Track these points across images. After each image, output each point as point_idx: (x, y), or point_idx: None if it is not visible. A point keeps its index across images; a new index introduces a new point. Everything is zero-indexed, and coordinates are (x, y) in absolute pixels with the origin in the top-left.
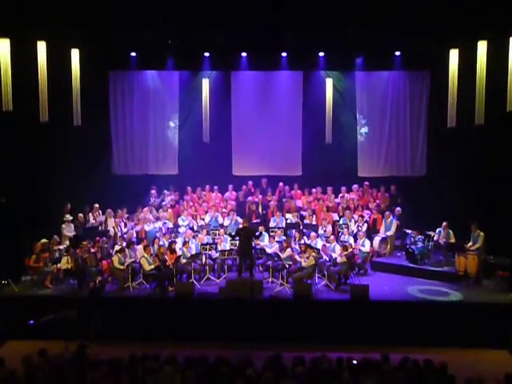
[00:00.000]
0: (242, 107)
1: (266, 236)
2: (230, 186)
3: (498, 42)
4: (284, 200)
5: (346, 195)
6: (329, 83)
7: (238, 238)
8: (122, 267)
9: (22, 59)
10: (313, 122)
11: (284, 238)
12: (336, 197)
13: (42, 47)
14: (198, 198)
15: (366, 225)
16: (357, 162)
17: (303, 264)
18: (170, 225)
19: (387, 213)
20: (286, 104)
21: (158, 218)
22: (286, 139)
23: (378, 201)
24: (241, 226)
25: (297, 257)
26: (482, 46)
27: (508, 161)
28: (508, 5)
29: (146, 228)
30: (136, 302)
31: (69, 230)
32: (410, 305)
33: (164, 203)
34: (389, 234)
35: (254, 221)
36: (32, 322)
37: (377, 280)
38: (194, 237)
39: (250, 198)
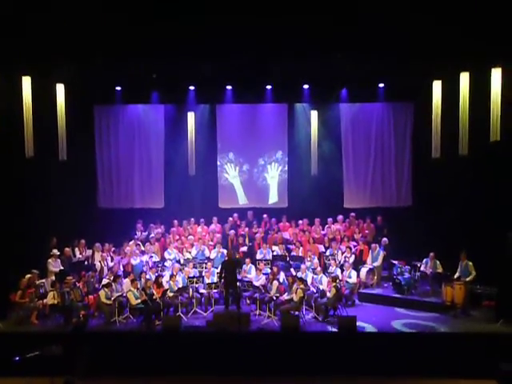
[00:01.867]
0: (228, 140)
1: (252, 268)
2: (215, 219)
3: (480, 73)
4: (270, 232)
5: (332, 226)
6: (314, 115)
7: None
8: (108, 302)
9: (7, 94)
10: (298, 154)
11: (268, 269)
12: (322, 228)
13: (26, 82)
14: (184, 230)
15: (353, 256)
16: (342, 192)
17: (296, 299)
18: (157, 258)
19: (374, 244)
20: (271, 136)
21: (144, 252)
22: None
23: (364, 231)
24: (226, 258)
25: (286, 297)
26: (465, 78)
27: (493, 189)
28: (488, 36)
29: (133, 262)
30: (123, 336)
31: (55, 265)
32: (398, 336)
33: (150, 236)
34: (376, 264)
35: (242, 249)
36: (17, 358)
37: (364, 311)
38: (180, 270)
39: (231, 231)
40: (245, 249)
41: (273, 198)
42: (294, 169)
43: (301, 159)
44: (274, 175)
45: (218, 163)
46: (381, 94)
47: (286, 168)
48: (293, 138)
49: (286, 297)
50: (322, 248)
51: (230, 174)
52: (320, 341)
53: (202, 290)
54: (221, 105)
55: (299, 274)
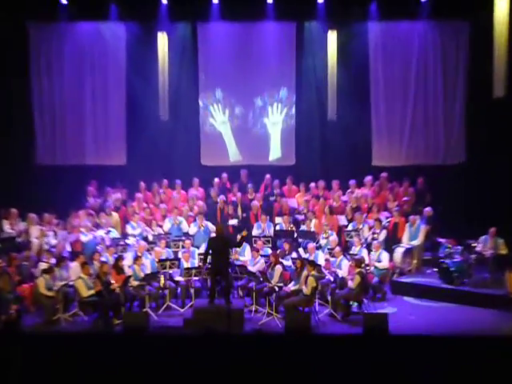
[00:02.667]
0: (214, 72)
1: (247, 248)
2: (196, 181)
3: None
4: (272, 199)
5: (357, 191)
6: (331, 38)
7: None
8: (49, 293)
9: None
10: (310, 92)
11: (268, 249)
12: (343, 194)
13: None
14: (153, 196)
15: (384, 232)
16: (371, 145)
17: (307, 292)
18: (116, 234)
19: (412, 216)
20: (273, 67)
21: (98, 225)
22: None
23: (400, 198)
24: (213, 234)
25: (293, 288)
26: None
27: None
28: None
29: (83, 238)
30: (69, 339)
31: None
32: (446, 341)
33: (107, 204)
34: (415, 243)
35: (231, 223)
36: None
37: (399, 307)
38: (148, 250)
39: (220, 197)
40: (235, 222)
41: (275, 152)
42: (304, 112)
43: (313, 99)
44: (276, 121)
45: (201, 104)
46: (424, 9)
47: (294, 111)
48: (302, 69)
49: (292, 287)
50: (342, 220)
51: (217, 118)
52: (338, 347)
53: (177, 278)
54: (204, 23)
55: (310, 257)
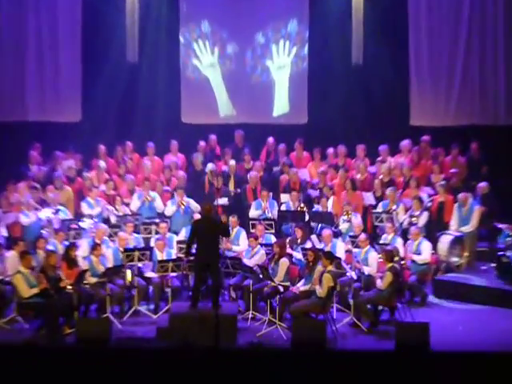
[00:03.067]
0: (198, 3)
1: (242, 235)
2: (175, 144)
3: None
4: (276, 169)
5: (389, 160)
6: None
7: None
8: None
9: None
10: (328, 28)
11: (269, 236)
12: (371, 163)
13: None
14: (117, 164)
15: (425, 214)
16: (408, 100)
17: (318, 292)
18: (68, 214)
19: (462, 194)
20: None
21: (44, 202)
22: None
23: (447, 170)
24: (196, 216)
25: (302, 288)
26: None
27: None
28: None
29: (24, 220)
30: (4, 353)
31: None
32: (502, 359)
33: (56, 175)
34: (466, 230)
35: (221, 202)
36: None
37: (444, 314)
38: (110, 236)
39: (209, 166)
40: (225, 200)
41: (281, 105)
42: (321, 53)
43: (332, 37)
44: (283, 64)
45: (182, 40)
46: None
47: (306, 51)
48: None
49: (302, 287)
50: (369, 199)
51: (204, 60)
52: (362, 367)
53: (149, 274)
54: None
55: (325, 247)
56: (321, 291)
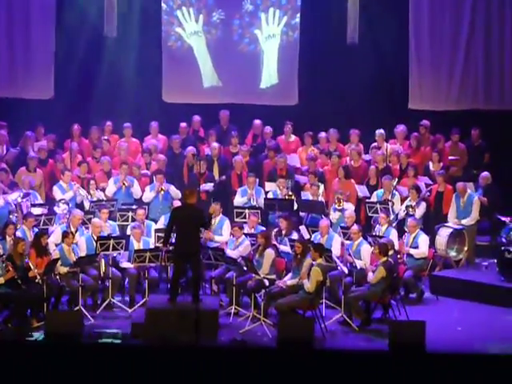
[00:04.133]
0: None
1: (225, 223)
2: (154, 124)
3: None
4: (264, 154)
5: (386, 146)
6: None
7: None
8: None
9: None
10: (322, 4)
11: (262, 228)
12: (366, 150)
13: None
14: (92, 146)
15: (423, 204)
16: (407, 82)
17: (311, 289)
18: (39, 198)
19: (461, 183)
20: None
21: (14, 185)
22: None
23: (446, 157)
24: (176, 203)
25: (290, 282)
26: None
27: None
28: None
29: None
30: None
31: None
32: (503, 361)
33: (29, 156)
34: (466, 222)
35: (204, 188)
36: None
37: (441, 312)
38: (84, 223)
39: (190, 149)
40: (210, 186)
41: (269, 77)
42: (313, 27)
43: (326, 11)
44: (272, 33)
45: (164, 7)
46: None
47: (298, 20)
48: None
49: (289, 281)
50: (362, 189)
51: (187, 28)
52: (353, 368)
53: (124, 264)
54: None
55: (316, 238)
56: (309, 286)
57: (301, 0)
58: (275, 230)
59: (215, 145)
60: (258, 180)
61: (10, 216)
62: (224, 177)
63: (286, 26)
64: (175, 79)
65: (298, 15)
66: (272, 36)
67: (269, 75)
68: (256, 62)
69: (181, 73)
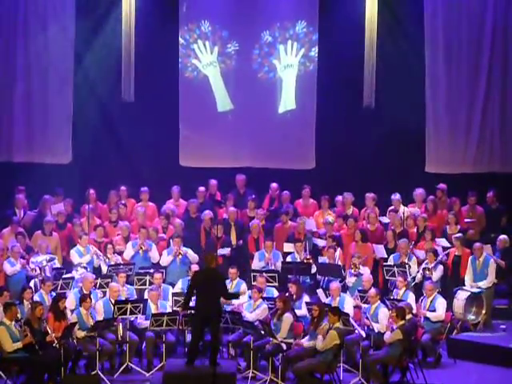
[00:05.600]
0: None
1: (242, 287)
2: (176, 189)
3: None
4: (280, 217)
5: (403, 209)
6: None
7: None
8: None
9: None
10: (339, 68)
11: (273, 290)
12: (381, 213)
13: None
14: (109, 210)
15: (440, 268)
16: (423, 146)
17: (317, 344)
18: (57, 263)
19: (478, 245)
20: (286, 34)
21: (31, 250)
22: None
23: (463, 220)
24: (194, 267)
25: (306, 343)
26: None
27: None
28: None
29: (8, 269)
30: None
31: None
32: None
33: (46, 220)
34: (483, 285)
35: (221, 252)
36: None
37: (459, 375)
38: (101, 287)
39: (207, 213)
40: (227, 251)
41: (287, 102)
42: (331, 94)
43: (342, 74)
44: (290, 63)
45: (181, 42)
46: None
47: (316, 52)
48: (328, 37)
49: (306, 344)
50: (380, 249)
51: (203, 58)
52: None
53: (143, 326)
54: None
55: (332, 301)
56: (321, 344)
57: (318, 34)
58: (286, 294)
59: (232, 209)
60: (274, 243)
61: (34, 279)
62: (241, 241)
63: (304, 57)
64: (194, 148)
65: (315, 49)
66: (290, 66)
67: (287, 101)
68: (274, 89)
69: (196, 101)
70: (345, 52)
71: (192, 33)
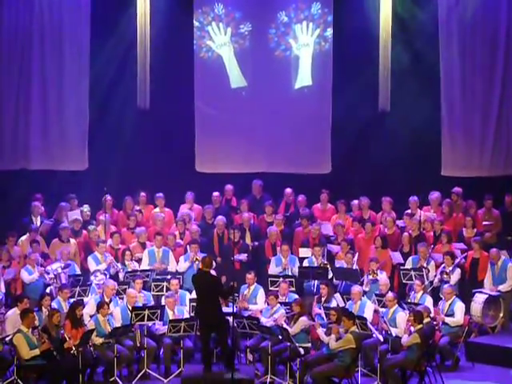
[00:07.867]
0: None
1: (260, 292)
2: (190, 195)
3: None
4: (297, 223)
5: (419, 213)
6: (385, 3)
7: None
8: None
9: None
10: (354, 74)
11: (294, 296)
12: (399, 217)
13: None
14: (126, 216)
15: (457, 271)
16: (439, 149)
17: (334, 347)
18: (76, 269)
19: (495, 250)
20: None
21: (47, 257)
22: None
23: (480, 224)
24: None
25: (322, 334)
26: None
27: None
28: None
29: (25, 276)
30: None
31: None
32: None
33: (61, 226)
34: (502, 288)
35: (238, 258)
36: None
37: (477, 379)
38: (118, 294)
39: (220, 219)
40: (244, 256)
41: (303, 78)
42: (346, 99)
43: (357, 79)
44: (306, 42)
45: (196, 24)
46: None
47: (331, 33)
48: (342, 43)
49: (322, 336)
50: (397, 256)
51: (217, 39)
52: None
53: (161, 332)
54: None
55: (353, 306)
56: (333, 343)
57: (332, 15)
58: (316, 296)
59: (246, 215)
60: (290, 248)
61: (50, 287)
62: (257, 243)
63: (319, 37)
64: (209, 154)
65: (330, 29)
66: (306, 45)
67: (303, 78)
68: (290, 66)
69: (210, 81)
70: (358, 35)
71: (206, 15)
